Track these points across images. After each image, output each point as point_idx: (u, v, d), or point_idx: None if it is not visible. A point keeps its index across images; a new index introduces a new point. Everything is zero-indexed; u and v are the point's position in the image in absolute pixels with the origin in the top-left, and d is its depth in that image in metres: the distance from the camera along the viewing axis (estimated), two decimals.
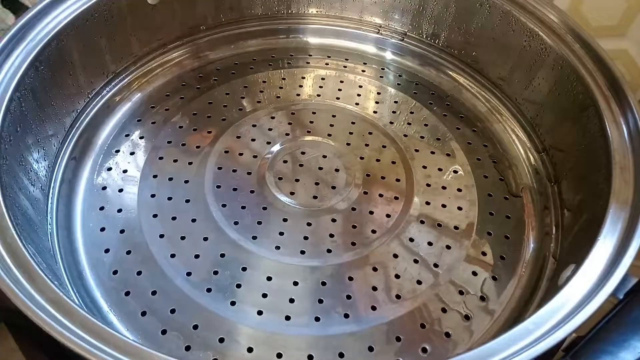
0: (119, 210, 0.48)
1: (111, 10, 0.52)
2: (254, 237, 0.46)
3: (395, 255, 0.46)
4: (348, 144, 0.54)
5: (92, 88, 0.54)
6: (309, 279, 0.44)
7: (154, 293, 0.43)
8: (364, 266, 0.45)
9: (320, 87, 0.60)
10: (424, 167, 0.53)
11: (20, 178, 0.43)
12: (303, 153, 0.53)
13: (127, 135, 0.53)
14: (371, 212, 0.49)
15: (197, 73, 0.61)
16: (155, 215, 0.47)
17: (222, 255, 0.45)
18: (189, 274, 0.44)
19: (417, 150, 0.54)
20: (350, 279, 0.45)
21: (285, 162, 0.52)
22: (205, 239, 0.46)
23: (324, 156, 0.53)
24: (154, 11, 0.53)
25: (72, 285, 0.43)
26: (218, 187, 0.50)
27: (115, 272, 0.44)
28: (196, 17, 0.60)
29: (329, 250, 0.46)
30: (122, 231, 0.46)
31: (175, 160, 0.52)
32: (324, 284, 0.44)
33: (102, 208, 0.48)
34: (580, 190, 0.46)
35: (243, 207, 0.49)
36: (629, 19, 0.56)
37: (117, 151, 0.52)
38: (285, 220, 0.48)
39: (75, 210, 0.47)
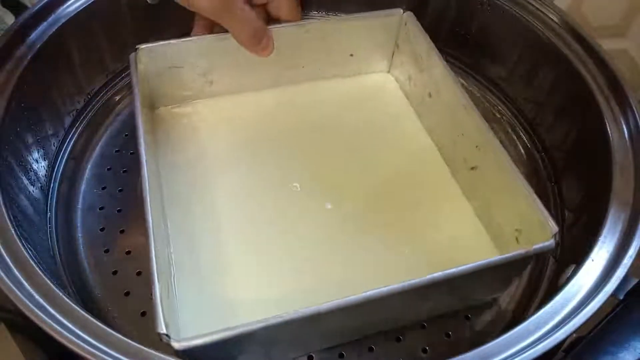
0: (119, 210, 0.48)
1: (111, 9, 0.52)
2: None
3: None
4: None
5: (91, 87, 0.54)
6: None
7: None
8: None
9: None
10: None
11: (20, 178, 0.43)
12: None
13: (126, 135, 0.53)
14: None
15: None
16: None
17: None
18: None
19: None
20: None
21: None
22: None
23: None
24: (153, 11, 0.53)
25: (72, 285, 0.43)
26: None
27: (115, 272, 0.44)
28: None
29: None
30: (122, 231, 0.46)
31: None
32: None
33: (102, 207, 0.48)
34: (580, 190, 0.46)
35: None
36: (629, 19, 0.56)
37: (117, 151, 0.52)
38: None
39: (75, 210, 0.47)
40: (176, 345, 0.31)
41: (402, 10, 0.52)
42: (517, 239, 0.41)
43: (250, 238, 0.43)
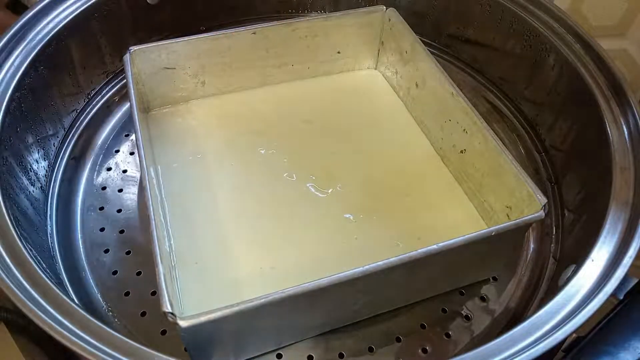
0: (119, 211, 0.48)
1: (111, 9, 0.52)
2: None
3: None
4: None
5: (91, 88, 0.54)
6: None
7: (153, 293, 0.43)
8: None
9: None
10: None
11: (20, 178, 0.43)
12: None
13: (126, 135, 0.53)
14: None
15: None
16: None
17: None
18: None
19: None
20: None
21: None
22: None
23: None
24: (153, 11, 0.53)
25: (71, 285, 0.43)
26: None
27: (115, 273, 0.44)
28: (196, 17, 0.60)
29: None
30: (121, 231, 0.46)
31: None
32: None
33: (101, 208, 0.48)
34: (580, 190, 0.46)
35: None
36: (629, 19, 0.56)
37: (117, 151, 0.52)
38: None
39: (75, 210, 0.47)
40: (182, 323, 0.31)
41: (384, 7, 0.53)
42: (507, 215, 0.42)
43: (248, 225, 0.44)
